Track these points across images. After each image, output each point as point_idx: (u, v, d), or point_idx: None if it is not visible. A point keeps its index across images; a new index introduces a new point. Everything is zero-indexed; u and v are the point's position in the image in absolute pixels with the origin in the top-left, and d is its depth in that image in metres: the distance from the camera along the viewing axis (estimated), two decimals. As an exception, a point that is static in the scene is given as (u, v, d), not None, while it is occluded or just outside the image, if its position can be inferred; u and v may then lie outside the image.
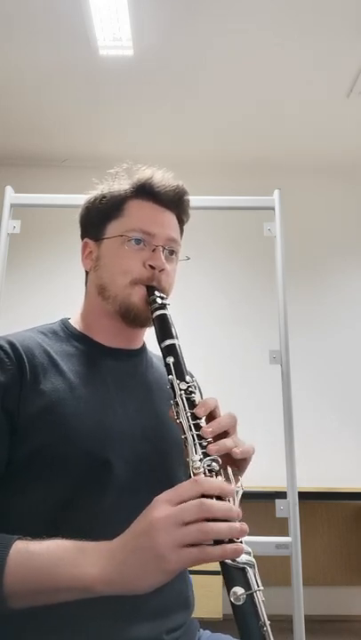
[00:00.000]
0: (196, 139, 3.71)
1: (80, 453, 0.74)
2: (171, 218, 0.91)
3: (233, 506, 0.61)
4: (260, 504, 1.86)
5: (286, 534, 1.61)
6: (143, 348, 0.96)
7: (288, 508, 1.63)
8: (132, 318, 0.87)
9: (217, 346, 3.49)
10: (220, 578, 3.03)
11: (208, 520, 0.59)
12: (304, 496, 1.85)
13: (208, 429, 0.70)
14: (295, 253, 2.98)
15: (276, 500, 1.65)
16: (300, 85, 3.21)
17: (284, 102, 3.36)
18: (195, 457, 0.67)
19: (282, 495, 1.67)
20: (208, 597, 2.69)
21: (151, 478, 0.77)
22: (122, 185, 0.90)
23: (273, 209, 1.92)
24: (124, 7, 2.66)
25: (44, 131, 3.67)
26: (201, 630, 0.87)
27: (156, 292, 0.85)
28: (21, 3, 2.64)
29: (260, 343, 2.26)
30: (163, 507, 0.60)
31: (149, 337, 0.95)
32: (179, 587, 0.80)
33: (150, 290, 0.85)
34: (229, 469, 0.67)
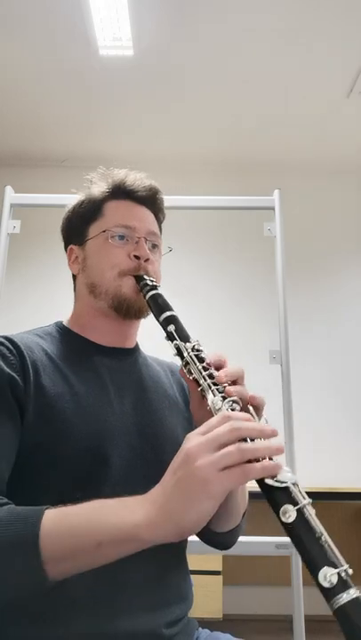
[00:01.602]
0: (196, 139, 3.71)
1: (77, 450, 0.75)
2: (148, 214, 0.95)
3: (264, 424, 0.61)
4: (260, 504, 1.86)
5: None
6: (137, 348, 0.98)
7: (288, 508, 1.63)
8: (126, 309, 0.89)
9: (217, 346, 3.46)
10: (220, 578, 3.04)
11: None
12: (304, 496, 1.84)
13: (222, 374, 0.71)
14: (295, 253, 2.98)
15: (277, 500, 1.65)
16: (300, 85, 3.21)
17: (284, 102, 3.36)
18: (215, 399, 0.67)
19: (282, 495, 1.66)
20: (208, 597, 2.69)
21: (149, 475, 0.77)
22: (99, 188, 0.94)
23: (273, 209, 1.92)
24: (124, 7, 2.66)
25: (43, 131, 3.67)
26: (200, 629, 0.87)
27: (145, 277, 0.88)
28: (21, 3, 2.64)
29: (260, 343, 2.26)
30: (195, 438, 0.59)
31: (147, 340, 0.96)
32: (176, 580, 0.81)
33: (139, 278, 0.88)
34: (251, 409, 0.67)
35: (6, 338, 0.81)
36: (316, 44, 2.90)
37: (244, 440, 0.58)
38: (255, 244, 2.69)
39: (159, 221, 0.99)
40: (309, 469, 2.52)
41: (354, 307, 3.76)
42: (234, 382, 0.72)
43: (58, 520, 0.60)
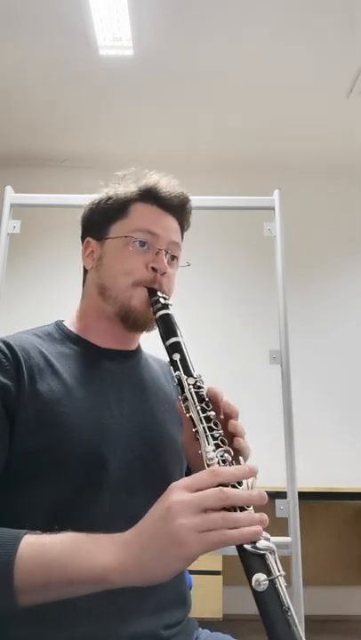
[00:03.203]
0: (195, 138, 3.71)
1: (77, 453, 0.75)
2: (174, 223, 0.93)
3: (251, 491, 0.61)
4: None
5: (286, 534, 1.61)
6: (138, 350, 0.97)
7: (288, 508, 1.63)
8: (132, 322, 0.87)
9: (217, 346, 3.49)
10: (220, 578, 3.03)
11: (227, 508, 0.58)
12: (304, 496, 1.84)
13: (227, 407, 0.73)
14: (295, 253, 2.99)
15: (276, 500, 1.65)
16: (300, 85, 3.21)
17: (284, 102, 3.36)
18: (208, 448, 0.67)
19: (282, 495, 1.67)
20: (208, 597, 2.69)
21: (148, 477, 0.77)
22: (128, 187, 0.92)
23: (273, 209, 1.92)
24: (124, 7, 2.66)
25: (44, 131, 3.67)
26: (199, 629, 0.87)
27: (159, 293, 0.86)
28: (22, 3, 2.64)
29: (260, 343, 2.26)
30: (180, 492, 0.59)
31: (147, 338, 0.95)
32: (175, 583, 0.81)
33: (152, 292, 0.86)
34: (242, 459, 0.68)
35: (3, 342, 0.80)
36: (317, 44, 2.90)
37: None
38: (255, 244, 2.70)
39: (183, 231, 0.96)
40: (309, 469, 2.52)
41: (354, 306, 3.76)
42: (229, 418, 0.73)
43: (34, 552, 0.60)
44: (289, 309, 1.87)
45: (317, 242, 3.84)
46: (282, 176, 3.55)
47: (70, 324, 0.93)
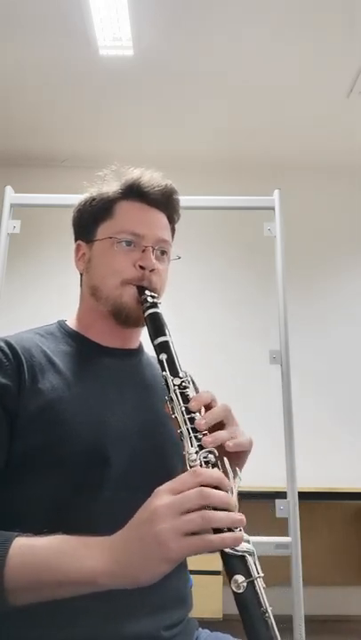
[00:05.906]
0: (196, 138, 3.71)
1: (78, 451, 0.75)
2: (160, 218, 0.92)
3: (231, 496, 0.61)
4: (260, 504, 1.86)
5: (286, 534, 1.61)
6: (140, 348, 0.97)
7: (288, 508, 1.63)
8: (124, 319, 0.88)
9: (217, 346, 3.49)
10: (220, 578, 3.03)
11: (208, 508, 0.59)
12: (304, 496, 1.84)
13: (202, 421, 0.69)
14: (295, 253, 2.99)
15: (276, 500, 1.65)
16: (300, 85, 3.21)
17: (284, 102, 3.36)
18: (191, 449, 0.67)
19: (282, 495, 1.67)
20: (208, 597, 2.69)
21: (149, 475, 0.77)
22: (111, 187, 0.91)
23: (273, 209, 1.92)
24: (124, 7, 2.66)
25: (44, 131, 3.67)
26: (200, 629, 0.87)
27: (147, 292, 0.85)
28: (22, 3, 2.64)
29: (260, 343, 2.26)
30: (164, 496, 0.60)
31: (145, 334, 0.95)
32: (176, 583, 0.81)
33: (141, 290, 0.86)
34: (226, 461, 0.67)
35: (5, 341, 0.80)
36: (317, 44, 2.90)
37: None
38: (255, 244, 2.70)
39: (173, 223, 0.95)
40: (309, 469, 2.52)
41: (354, 306, 3.76)
42: (219, 424, 0.71)
43: (24, 554, 0.61)
44: (289, 309, 1.87)
45: (317, 242, 3.84)
46: (282, 176, 3.55)
47: (72, 323, 0.93)
